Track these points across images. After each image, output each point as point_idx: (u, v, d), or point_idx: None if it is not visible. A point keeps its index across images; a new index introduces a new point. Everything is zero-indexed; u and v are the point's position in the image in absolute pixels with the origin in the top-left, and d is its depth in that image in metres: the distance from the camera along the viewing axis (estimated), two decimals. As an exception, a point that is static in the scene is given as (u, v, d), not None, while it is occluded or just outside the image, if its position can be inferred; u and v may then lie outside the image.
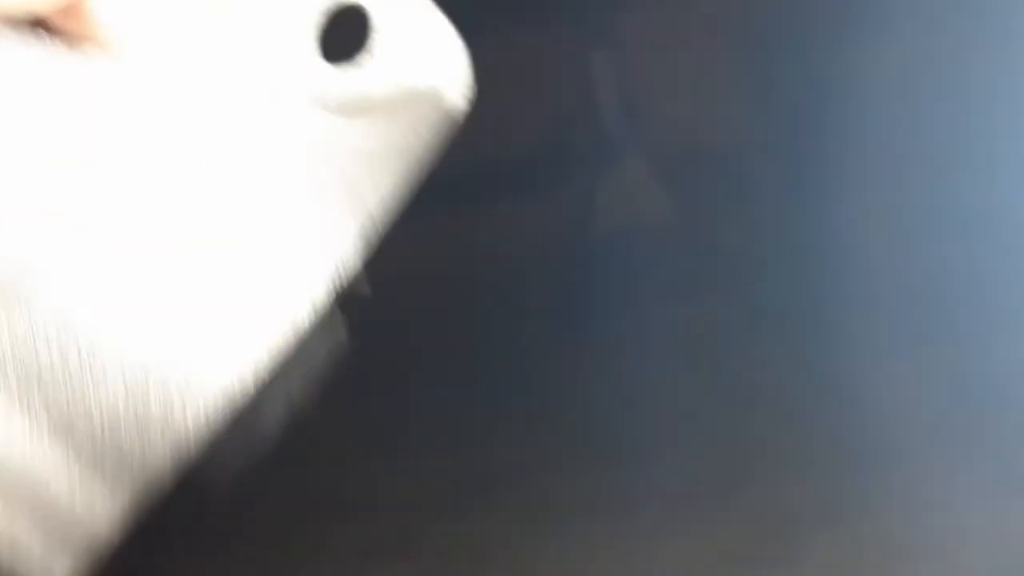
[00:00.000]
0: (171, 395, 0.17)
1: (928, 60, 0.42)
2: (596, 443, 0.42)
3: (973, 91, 0.42)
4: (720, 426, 0.42)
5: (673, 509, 0.41)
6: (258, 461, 0.31)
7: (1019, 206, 0.42)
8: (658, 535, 0.41)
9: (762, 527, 0.41)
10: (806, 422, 0.42)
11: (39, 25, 0.21)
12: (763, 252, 0.43)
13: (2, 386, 0.16)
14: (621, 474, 0.42)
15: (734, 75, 0.45)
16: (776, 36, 0.44)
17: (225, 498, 0.31)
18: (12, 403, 0.16)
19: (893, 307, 0.42)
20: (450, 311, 0.44)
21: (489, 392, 0.42)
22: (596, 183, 0.45)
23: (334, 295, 0.21)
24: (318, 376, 0.26)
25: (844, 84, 0.43)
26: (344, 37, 0.27)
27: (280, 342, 0.19)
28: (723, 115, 0.45)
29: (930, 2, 0.43)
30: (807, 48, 0.44)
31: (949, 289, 0.42)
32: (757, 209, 0.43)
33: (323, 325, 0.23)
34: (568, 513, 0.42)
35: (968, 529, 0.41)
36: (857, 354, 0.42)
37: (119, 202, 0.18)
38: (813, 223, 0.43)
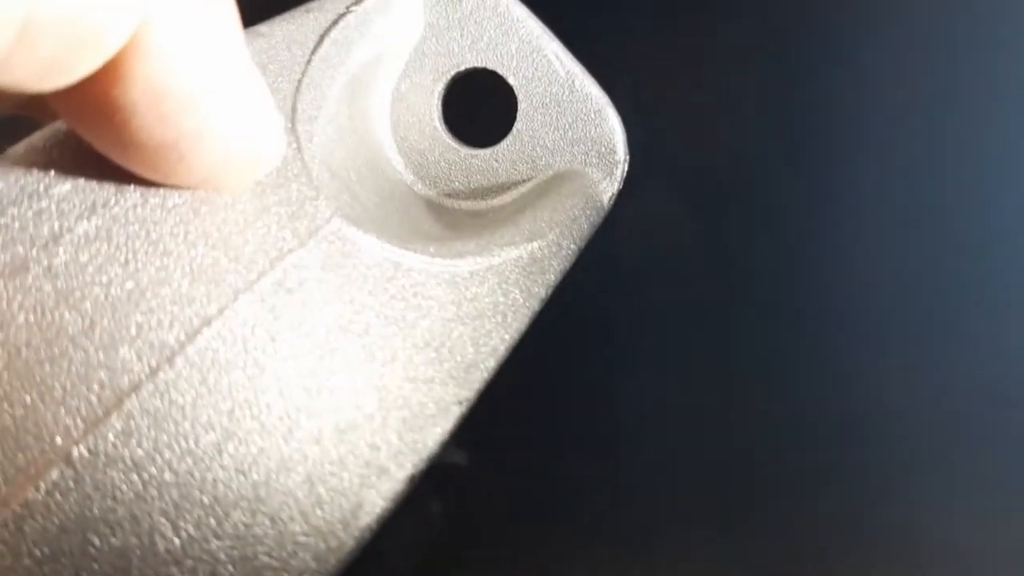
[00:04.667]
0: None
1: (951, 84, 0.43)
2: (616, 469, 0.42)
3: (997, 113, 0.43)
4: (746, 448, 0.42)
5: (697, 533, 0.42)
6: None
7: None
8: (681, 558, 0.42)
9: (786, 549, 0.42)
10: (834, 444, 0.42)
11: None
12: (787, 276, 0.43)
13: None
14: (643, 497, 0.42)
15: (755, 98, 0.45)
16: (798, 58, 0.45)
17: None
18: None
19: (923, 326, 0.42)
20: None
21: (505, 420, 0.41)
22: (614, 207, 0.45)
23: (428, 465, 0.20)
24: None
25: (868, 106, 0.44)
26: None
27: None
28: (746, 140, 0.45)
29: (954, 30, 0.43)
30: (830, 70, 0.44)
31: (983, 310, 0.42)
32: (780, 232, 0.43)
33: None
34: (590, 538, 0.42)
35: (997, 545, 0.41)
36: (887, 374, 0.42)
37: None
38: (838, 245, 0.43)
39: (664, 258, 0.43)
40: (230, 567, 0.16)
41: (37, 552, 0.14)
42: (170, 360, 0.16)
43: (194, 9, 0.16)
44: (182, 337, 0.16)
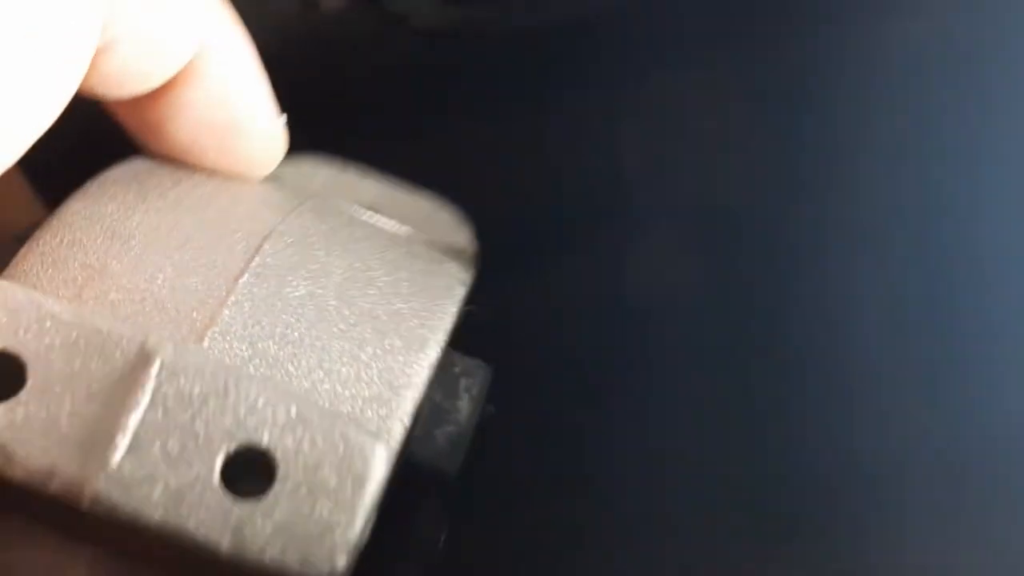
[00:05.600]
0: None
1: (960, 122, 0.43)
2: (623, 514, 0.42)
3: (1006, 152, 0.43)
4: (751, 497, 0.42)
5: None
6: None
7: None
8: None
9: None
10: (840, 493, 0.41)
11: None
12: (796, 319, 0.43)
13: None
14: (649, 546, 0.41)
15: (763, 138, 0.45)
16: (807, 98, 0.45)
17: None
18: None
19: (930, 370, 0.42)
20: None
21: (512, 460, 0.42)
22: (622, 250, 0.45)
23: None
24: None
25: (878, 147, 0.44)
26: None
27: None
28: (752, 179, 0.45)
29: (960, 65, 0.44)
30: (839, 110, 0.44)
31: (996, 361, 0.41)
32: (789, 274, 0.43)
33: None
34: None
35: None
36: (894, 423, 0.41)
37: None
38: (846, 287, 0.43)
39: (669, 300, 0.43)
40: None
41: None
42: (260, 246, 0.24)
43: (234, 37, 0.25)
44: (267, 231, 0.25)
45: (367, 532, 0.21)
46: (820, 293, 0.43)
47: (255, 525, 0.20)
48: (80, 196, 0.25)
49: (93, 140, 0.28)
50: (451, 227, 0.33)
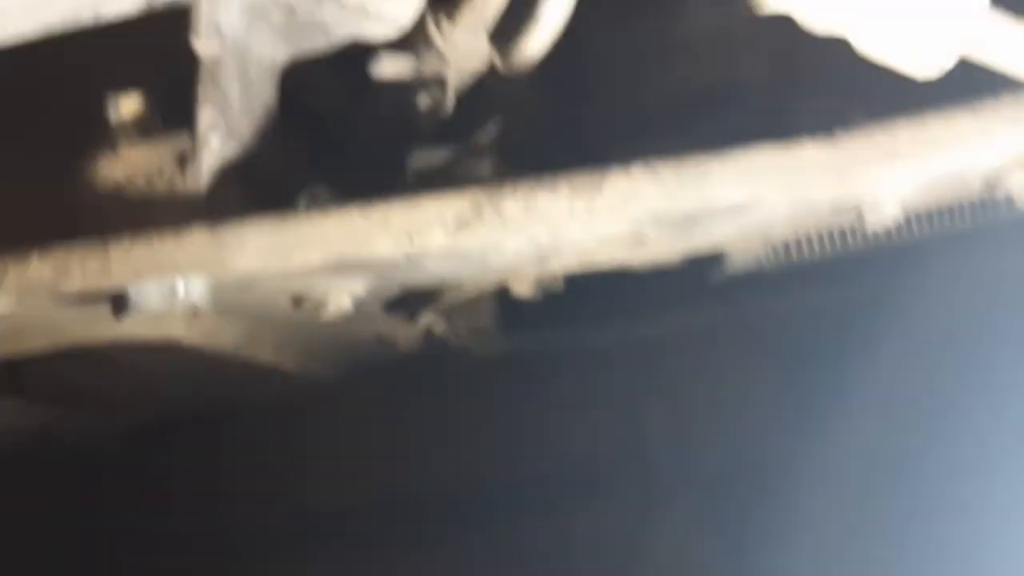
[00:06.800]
0: None
1: (962, 395, 0.45)
2: None
3: (999, 434, 0.45)
4: None
5: None
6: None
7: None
8: None
9: None
10: None
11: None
12: None
13: None
14: None
15: (775, 404, 0.48)
16: (820, 367, 0.47)
17: None
18: None
19: None
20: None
21: None
22: (640, 528, 0.48)
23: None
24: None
25: (890, 414, 0.45)
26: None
27: None
28: (767, 445, 0.47)
29: (959, 338, 0.47)
30: (851, 379, 0.45)
31: None
32: (805, 552, 0.43)
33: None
34: None
35: None
36: None
37: None
38: (860, 550, 0.44)
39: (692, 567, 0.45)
40: None
41: None
42: None
43: None
44: None
45: None
46: (841, 561, 0.44)
47: None
48: None
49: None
50: None
